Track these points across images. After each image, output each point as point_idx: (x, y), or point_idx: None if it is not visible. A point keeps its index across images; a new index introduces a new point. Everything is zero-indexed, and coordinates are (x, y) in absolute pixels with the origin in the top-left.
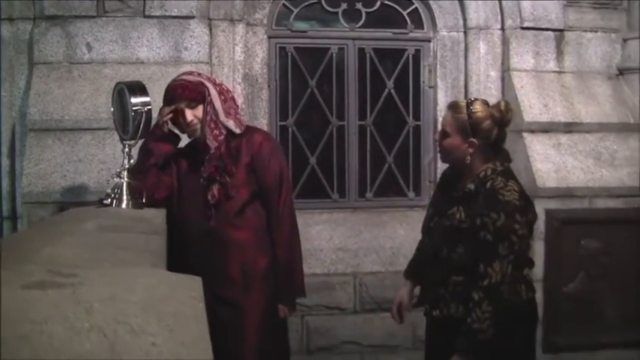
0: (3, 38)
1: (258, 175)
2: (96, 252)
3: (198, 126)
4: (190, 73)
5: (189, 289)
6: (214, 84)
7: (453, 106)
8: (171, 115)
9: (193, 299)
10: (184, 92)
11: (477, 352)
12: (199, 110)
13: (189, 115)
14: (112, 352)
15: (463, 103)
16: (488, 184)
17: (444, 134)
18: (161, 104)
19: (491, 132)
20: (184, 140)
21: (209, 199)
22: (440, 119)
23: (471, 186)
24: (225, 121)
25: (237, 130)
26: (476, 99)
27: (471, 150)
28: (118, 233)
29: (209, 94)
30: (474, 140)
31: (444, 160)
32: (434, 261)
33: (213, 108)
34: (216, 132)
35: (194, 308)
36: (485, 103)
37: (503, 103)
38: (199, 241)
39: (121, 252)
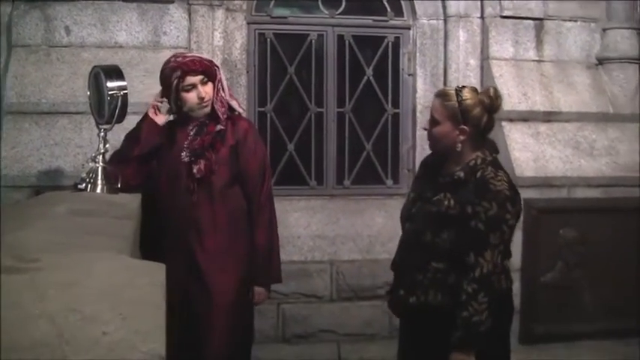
0: None
1: (242, 159)
2: (64, 236)
3: (208, 105)
4: (191, 53)
5: (151, 276)
6: None
7: (442, 94)
8: (165, 100)
9: (153, 286)
10: (200, 66)
11: (479, 344)
12: (209, 87)
13: (202, 91)
14: (60, 340)
15: (452, 90)
16: (479, 174)
17: (434, 122)
18: (141, 88)
19: (482, 119)
20: None
21: (194, 173)
22: (419, 107)
23: (461, 173)
24: (230, 100)
25: (240, 110)
26: (464, 86)
27: (462, 137)
28: (89, 218)
29: (219, 74)
30: (464, 127)
31: (432, 148)
32: (415, 246)
33: (222, 86)
34: (223, 109)
35: (153, 295)
36: (474, 90)
37: (492, 90)
38: (179, 217)
39: (89, 237)
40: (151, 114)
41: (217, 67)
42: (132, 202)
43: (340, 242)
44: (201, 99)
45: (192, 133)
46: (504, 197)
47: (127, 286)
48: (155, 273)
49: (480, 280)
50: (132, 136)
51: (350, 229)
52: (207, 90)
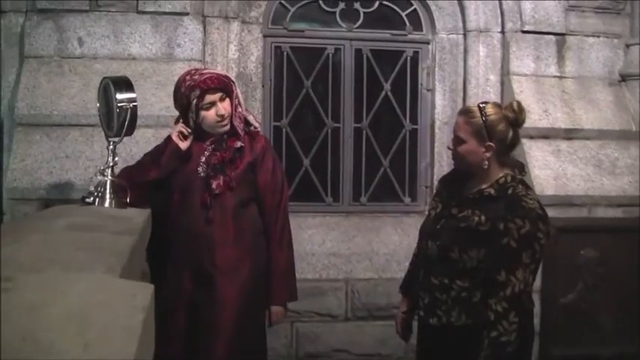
0: None
1: (260, 178)
2: (53, 252)
3: (228, 122)
4: (205, 68)
5: (133, 297)
6: None
7: (466, 111)
8: (185, 128)
9: (132, 309)
10: (218, 83)
11: None
12: (227, 103)
13: (221, 108)
14: None
15: (475, 107)
16: (510, 191)
17: (459, 140)
18: (153, 101)
19: (507, 134)
20: None
21: (213, 188)
22: (438, 123)
23: (491, 190)
24: (246, 115)
25: (256, 124)
26: (487, 102)
27: (488, 154)
28: (86, 232)
29: (236, 89)
30: (490, 144)
31: (458, 166)
32: (439, 264)
33: (239, 101)
34: (241, 125)
35: (130, 319)
36: (498, 105)
37: (516, 104)
38: (191, 231)
39: (80, 253)
40: (175, 138)
41: (233, 82)
42: (138, 216)
43: (356, 260)
44: (221, 116)
45: (209, 148)
46: (537, 215)
47: (100, 309)
48: (138, 294)
49: (511, 299)
50: (152, 159)
51: (366, 247)
52: (225, 106)
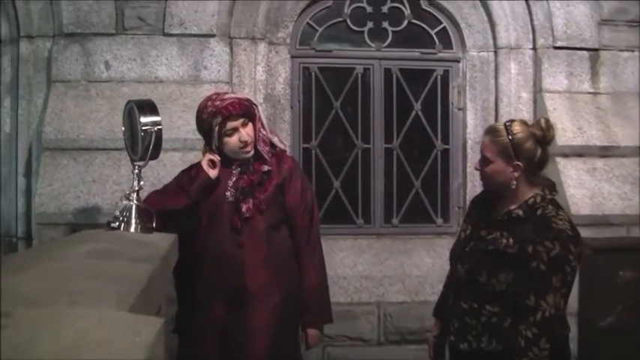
0: (21, 56)
1: (289, 199)
2: (63, 283)
3: (251, 147)
4: (225, 92)
5: (137, 334)
6: None
7: (491, 131)
8: (214, 156)
9: (133, 346)
10: (240, 109)
11: None
12: (250, 128)
13: (244, 134)
14: None
15: (501, 126)
16: (539, 211)
17: (485, 161)
18: (180, 124)
19: (535, 152)
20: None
21: (243, 212)
22: (469, 142)
23: (519, 211)
24: (271, 137)
25: (282, 146)
26: (513, 120)
27: (516, 174)
28: (103, 260)
29: (258, 112)
30: (518, 163)
31: (486, 187)
32: (467, 287)
33: (262, 124)
34: (267, 149)
35: (130, 355)
36: (525, 123)
37: (543, 121)
38: (222, 256)
39: (91, 282)
40: (205, 167)
41: (256, 105)
42: (163, 241)
43: (388, 283)
44: (244, 142)
45: (236, 172)
46: (567, 237)
47: (98, 348)
48: (144, 330)
49: (541, 324)
50: (180, 185)
51: (398, 270)
52: (248, 132)
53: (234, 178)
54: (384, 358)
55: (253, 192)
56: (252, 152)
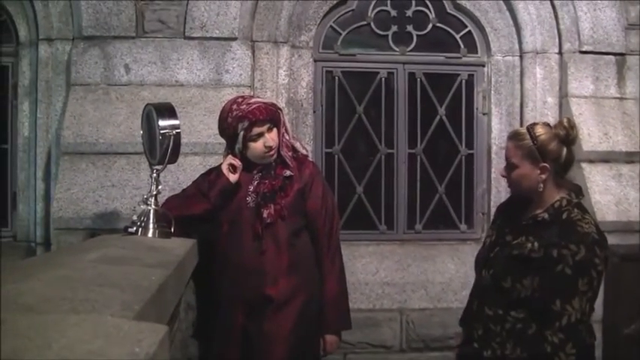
0: (40, 59)
1: (310, 205)
2: (68, 289)
3: (275, 152)
4: (250, 96)
5: (137, 343)
6: None
7: (515, 135)
8: (235, 161)
9: (134, 357)
10: (267, 114)
11: None
12: (274, 133)
13: (269, 139)
14: None
15: (523, 130)
16: (565, 215)
17: (511, 166)
18: (201, 128)
19: (560, 152)
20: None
21: (264, 218)
22: (494, 148)
23: (545, 215)
24: (293, 142)
25: (304, 151)
26: (535, 123)
27: (543, 176)
28: (115, 266)
29: (282, 115)
30: (545, 165)
31: (515, 192)
32: (492, 293)
33: (286, 129)
34: (290, 154)
35: None
36: (547, 124)
37: (566, 120)
38: (243, 262)
39: (98, 289)
40: (226, 171)
41: (280, 110)
42: (180, 247)
43: (410, 290)
44: (269, 147)
45: (257, 177)
46: (593, 240)
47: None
48: (145, 339)
49: (567, 329)
50: (199, 189)
51: (421, 276)
52: (273, 137)
53: (256, 183)
54: None
55: (275, 197)
56: (275, 156)
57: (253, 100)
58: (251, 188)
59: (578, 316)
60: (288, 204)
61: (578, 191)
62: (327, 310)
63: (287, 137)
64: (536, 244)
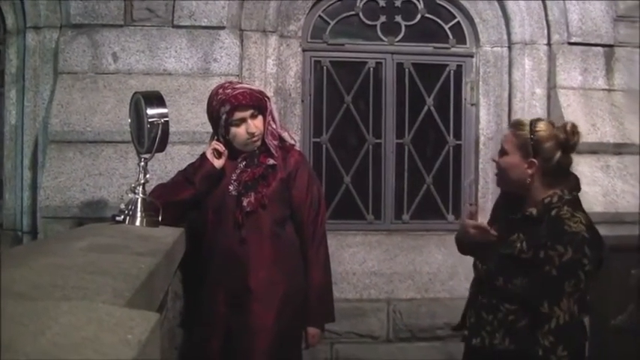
0: (28, 47)
1: (294, 194)
2: (59, 277)
3: (259, 139)
4: (240, 82)
5: (129, 330)
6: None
7: (515, 124)
8: (219, 145)
9: (125, 345)
10: (250, 100)
11: None
12: (259, 121)
13: (252, 125)
14: None
15: (526, 121)
16: (553, 212)
17: (503, 152)
18: (189, 117)
19: (554, 154)
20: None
21: (244, 206)
22: (482, 138)
23: (533, 210)
24: (281, 132)
25: (292, 141)
26: (540, 119)
27: (530, 171)
28: (104, 254)
29: (269, 105)
30: (534, 160)
31: (500, 184)
32: (487, 285)
33: (273, 118)
34: (275, 142)
35: (118, 357)
36: (551, 123)
37: (570, 125)
38: (226, 252)
39: (89, 277)
40: (210, 156)
41: (268, 98)
42: (168, 235)
43: (398, 280)
44: (252, 134)
45: (241, 166)
46: (581, 240)
47: (84, 345)
48: (137, 326)
49: (557, 332)
50: (186, 177)
51: (408, 266)
52: (257, 124)
53: (238, 172)
54: (394, 355)
55: (256, 186)
56: (259, 144)
57: (240, 85)
58: (234, 176)
59: (567, 318)
60: (270, 193)
61: (575, 187)
62: (310, 302)
63: (273, 126)
64: (524, 244)
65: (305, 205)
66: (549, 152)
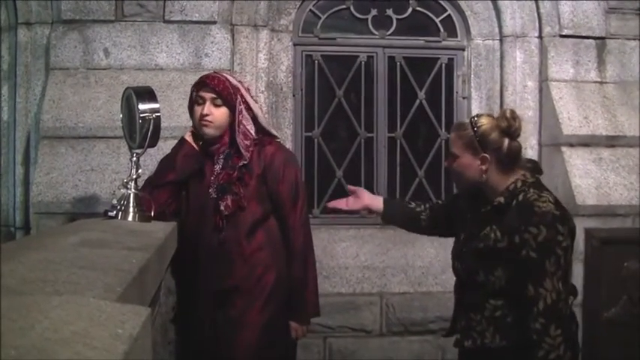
0: (19, 43)
1: (271, 187)
2: (50, 272)
3: (212, 127)
4: (230, 73)
5: (120, 325)
6: (248, 91)
7: (457, 126)
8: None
9: (115, 339)
10: (216, 84)
11: None
12: (221, 112)
13: (207, 107)
14: None
15: (466, 120)
16: (521, 197)
17: (452, 156)
18: (180, 112)
19: (501, 143)
20: None
21: (222, 210)
22: None
23: (501, 199)
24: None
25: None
26: (479, 114)
27: (483, 167)
28: (96, 249)
29: (241, 103)
30: (485, 155)
31: (459, 186)
32: (468, 286)
33: (246, 118)
34: (247, 142)
35: (109, 352)
36: (491, 115)
37: (508, 112)
38: (207, 253)
39: (80, 272)
40: (188, 137)
41: (241, 95)
42: (160, 230)
43: (390, 274)
44: (203, 115)
45: (217, 168)
46: (552, 218)
47: (74, 340)
48: (128, 321)
49: (547, 312)
50: (167, 161)
51: (400, 260)
52: (214, 112)
53: (216, 174)
54: (386, 349)
55: (232, 188)
56: (213, 132)
57: (221, 74)
58: (212, 179)
59: (554, 296)
60: (250, 193)
61: (535, 169)
62: (294, 296)
63: (246, 127)
64: (498, 232)
65: (281, 198)
66: (496, 143)
